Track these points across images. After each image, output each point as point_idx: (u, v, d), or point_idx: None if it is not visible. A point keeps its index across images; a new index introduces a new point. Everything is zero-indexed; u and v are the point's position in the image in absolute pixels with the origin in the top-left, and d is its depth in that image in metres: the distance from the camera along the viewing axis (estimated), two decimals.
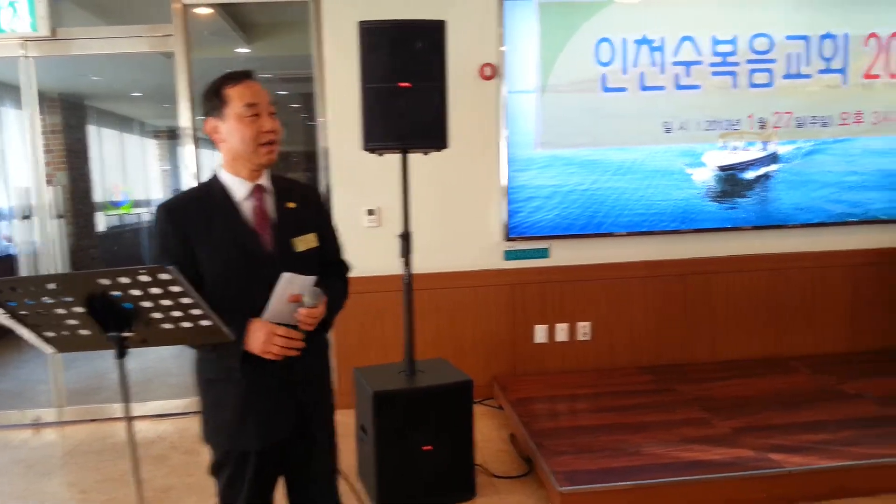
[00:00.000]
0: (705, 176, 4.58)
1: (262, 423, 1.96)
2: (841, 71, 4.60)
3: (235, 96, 1.91)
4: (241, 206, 1.95)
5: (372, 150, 3.34)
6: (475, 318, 4.59)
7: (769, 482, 3.10)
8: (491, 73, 4.37)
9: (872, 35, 4.60)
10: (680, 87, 4.47)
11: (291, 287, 1.87)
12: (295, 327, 1.90)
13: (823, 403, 3.92)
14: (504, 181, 4.44)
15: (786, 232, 4.73)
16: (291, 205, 2.01)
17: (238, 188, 1.96)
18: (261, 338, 1.85)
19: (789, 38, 4.53)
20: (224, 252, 1.90)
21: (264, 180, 2.00)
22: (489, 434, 4.05)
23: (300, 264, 1.92)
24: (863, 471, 3.18)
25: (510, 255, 4.57)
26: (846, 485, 3.16)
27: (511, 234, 4.48)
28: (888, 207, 4.78)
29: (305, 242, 2.00)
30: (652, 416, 3.83)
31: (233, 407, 1.96)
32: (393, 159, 3.45)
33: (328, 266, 2.11)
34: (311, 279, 1.90)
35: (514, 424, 3.89)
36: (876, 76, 4.64)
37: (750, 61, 4.52)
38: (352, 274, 2.26)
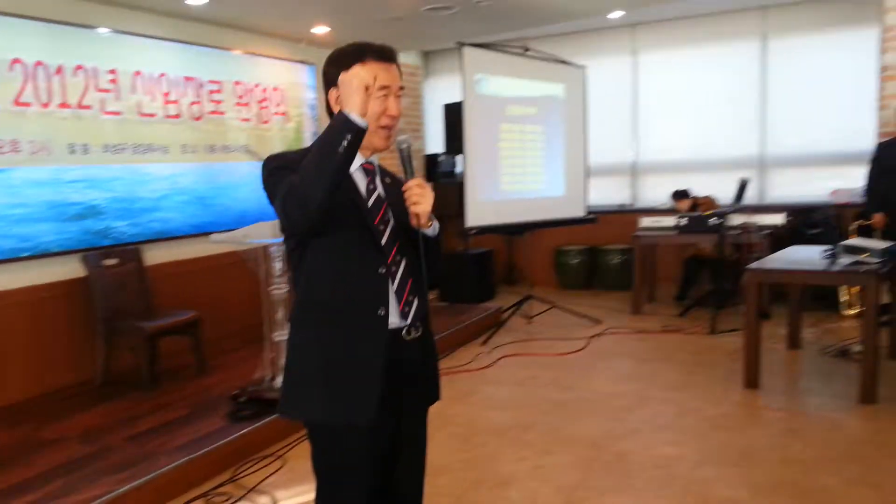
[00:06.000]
0: None
1: None
2: None
3: (378, 76, 1.78)
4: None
5: None
6: None
7: None
8: None
9: (17, 61, 4.38)
10: None
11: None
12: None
13: (27, 457, 3.53)
14: None
15: None
16: (388, 181, 1.94)
17: None
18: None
19: None
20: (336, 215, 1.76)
21: (373, 158, 1.91)
22: None
23: (411, 241, 1.88)
24: None
25: None
26: None
27: None
28: (59, 239, 4.68)
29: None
30: None
31: None
32: None
33: None
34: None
35: None
36: (27, 104, 4.45)
37: None
38: None
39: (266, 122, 6.44)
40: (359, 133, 1.68)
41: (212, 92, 5.86)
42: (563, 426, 4.05)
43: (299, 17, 6.01)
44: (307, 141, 6.90)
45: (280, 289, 4.22)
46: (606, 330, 6.19)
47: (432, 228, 1.90)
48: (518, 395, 4.64)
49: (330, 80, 1.86)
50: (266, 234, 4.02)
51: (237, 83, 6.11)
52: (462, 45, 5.70)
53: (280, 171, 1.78)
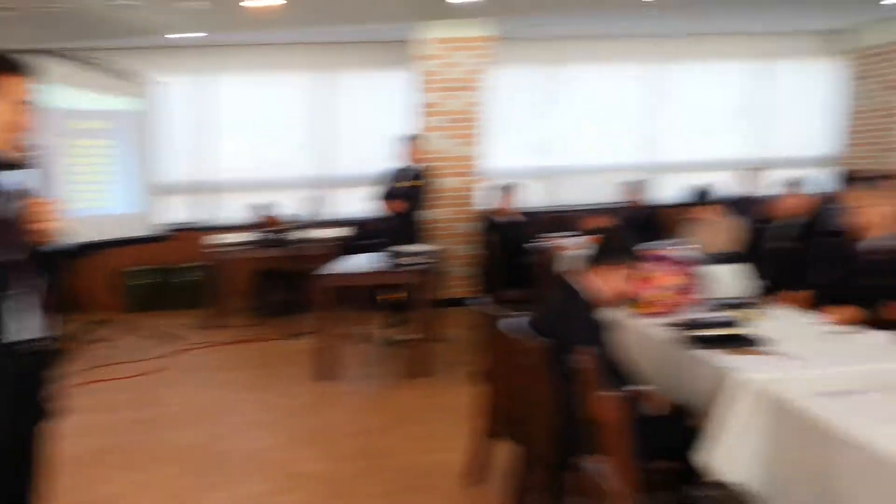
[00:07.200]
0: None
1: None
2: None
3: (14, 88, 1.86)
4: None
5: None
6: None
7: None
8: None
9: None
10: None
11: None
12: None
13: None
14: None
15: None
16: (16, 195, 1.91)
17: None
18: None
19: None
20: None
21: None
22: None
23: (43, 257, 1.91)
24: None
25: None
26: None
27: None
28: None
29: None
30: None
31: None
32: None
33: None
34: None
35: None
36: None
37: None
38: None
39: None
40: None
41: None
42: (160, 440, 4.12)
43: None
44: None
45: None
46: (186, 346, 6.29)
47: (60, 245, 1.96)
48: (105, 420, 4.50)
49: None
50: None
51: None
52: (20, 51, 5.24)
53: None
